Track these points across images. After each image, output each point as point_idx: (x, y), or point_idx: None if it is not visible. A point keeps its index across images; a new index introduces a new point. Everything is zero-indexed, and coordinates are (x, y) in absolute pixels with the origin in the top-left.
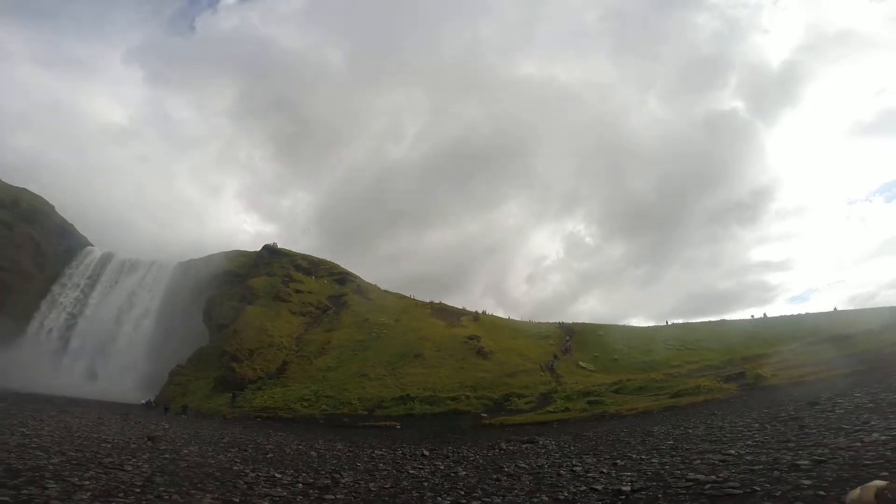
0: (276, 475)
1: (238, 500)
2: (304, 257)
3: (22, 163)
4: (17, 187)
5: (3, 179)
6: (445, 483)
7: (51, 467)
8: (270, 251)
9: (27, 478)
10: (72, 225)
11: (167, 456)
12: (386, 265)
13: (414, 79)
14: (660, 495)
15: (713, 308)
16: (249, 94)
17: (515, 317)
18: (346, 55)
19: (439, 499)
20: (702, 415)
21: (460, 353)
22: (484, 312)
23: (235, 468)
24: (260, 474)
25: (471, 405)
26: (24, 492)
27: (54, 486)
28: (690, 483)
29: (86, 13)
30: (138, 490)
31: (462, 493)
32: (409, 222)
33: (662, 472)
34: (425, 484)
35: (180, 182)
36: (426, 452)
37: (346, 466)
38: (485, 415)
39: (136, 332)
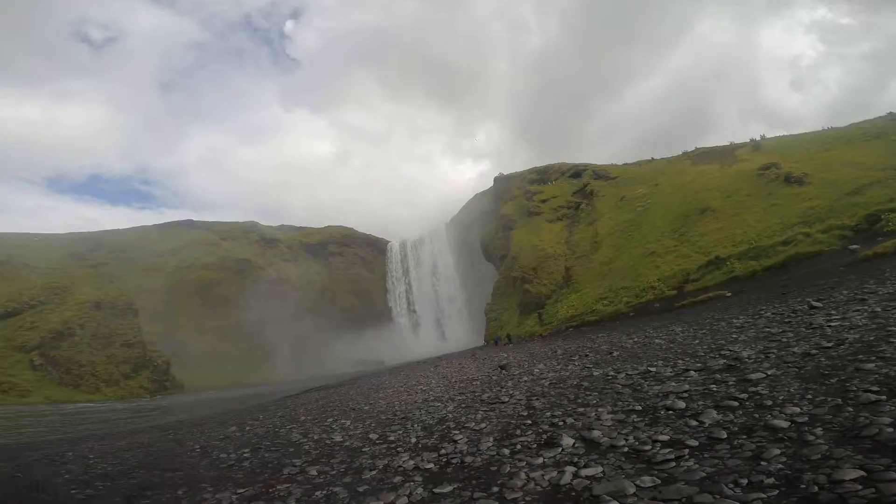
0: (650, 369)
1: (640, 408)
2: (532, 170)
3: (314, 207)
4: (322, 227)
5: (319, 223)
6: None
7: (450, 416)
8: (501, 180)
9: (440, 433)
10: (370, 234)
11: (525, 379)
12: (606, 143)
13: None
14: None
15: None
16: (382, 72)
17: (803, 130)
18: None
19: None
20: None
21: (761, 190)
22: (763, 137)
23: (595, 374)
24: (630, 373)
25: (817, 243)
26: (443, 451)
27: (461, 436)
28: None
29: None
30: (528, 420)
31: None
32: (595, 92)
33: None
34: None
35: (401, 168)
36: (816, 303)
37: (724, 342)
38: (855, 246)
39: (448, 289)
